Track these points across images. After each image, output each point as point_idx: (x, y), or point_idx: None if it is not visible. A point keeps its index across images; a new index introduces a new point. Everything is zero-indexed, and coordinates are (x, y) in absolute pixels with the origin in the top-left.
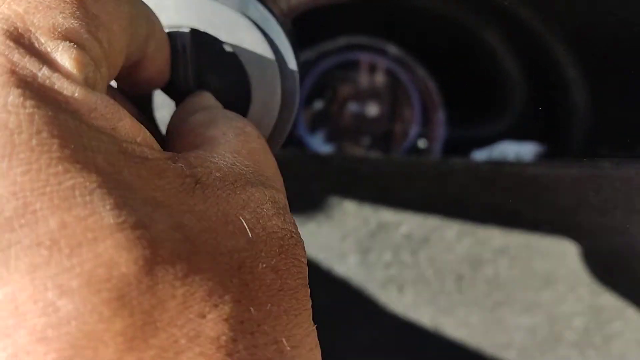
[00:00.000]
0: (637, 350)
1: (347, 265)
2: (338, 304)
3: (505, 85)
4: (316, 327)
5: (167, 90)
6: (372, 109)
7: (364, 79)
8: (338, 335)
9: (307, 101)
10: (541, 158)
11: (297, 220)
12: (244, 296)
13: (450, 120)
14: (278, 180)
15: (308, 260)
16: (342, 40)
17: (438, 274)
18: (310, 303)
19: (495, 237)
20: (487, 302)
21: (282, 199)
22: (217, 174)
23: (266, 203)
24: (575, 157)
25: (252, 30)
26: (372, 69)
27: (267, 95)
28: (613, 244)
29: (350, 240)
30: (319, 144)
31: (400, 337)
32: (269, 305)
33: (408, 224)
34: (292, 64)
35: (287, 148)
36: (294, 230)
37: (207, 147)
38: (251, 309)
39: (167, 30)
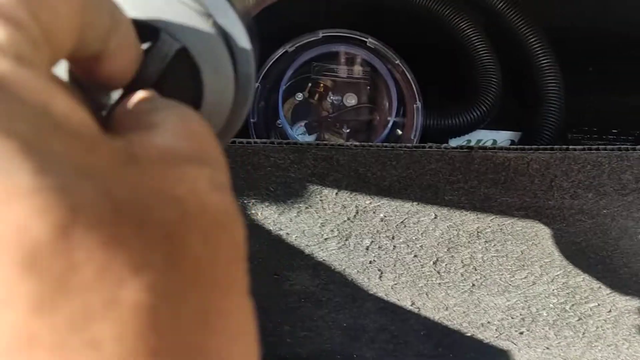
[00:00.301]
0: (613, 330)
1: (327, 251)
2: (321, 288)
3: (480, 75)
4: (300, 311)
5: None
6: (351, 100)
7: (343, 71)
8: (321, 318)
9: (288, 93)
10: (515, 145)
11: (278, 209)
12: (170, 266)
13: (428, 110)
14: (219, 161)
15: (290, 246)
16: (321, 33)
17: (416, 258)
18: (246, 278)
19: (469, 221)
20: (465, 284)
21: (221, 176)
22: (155, 152)
23: (203, 180)
24: (548, 143)
25: (200, 18)
26: (351, 60)
27: (220, 84)
28: (585, 226)
29: (330, 226)
30: (300, 135)
31: (383, 319)
32: (198, 276)
33: (385, 209)
34: (246, 51)
35: (267, 138)
36: (231, 207)
37: (148, 129)
38: (177, 278)
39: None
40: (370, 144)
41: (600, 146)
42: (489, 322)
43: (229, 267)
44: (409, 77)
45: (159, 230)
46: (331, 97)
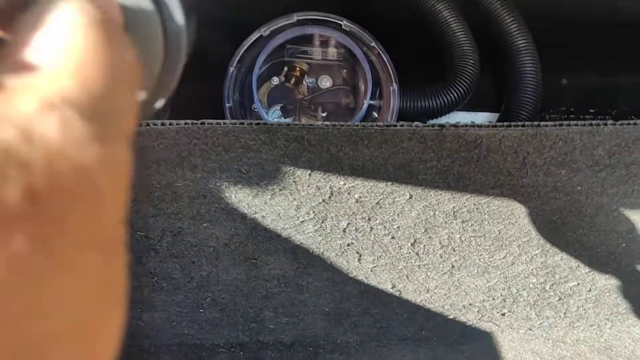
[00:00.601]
0: (594, 310)
1: (304, 234)
2: (300, 272)
3: (457, 56)
4: (281, 296)
5: None
6: (326, 82)
7: (317, 53)
8: (302, 303)
9: (264, 77)
10: None
11: (252, 191)
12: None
13: (404, 92)
14: (110, 111)
15: (267, 229)
16: (296, 16)
17: (394, 240)
18: (120, 210)
19: (445, 201)
20: (444, 265)
21: (105, 128)
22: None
23: (73, 116)
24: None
25: None
26: (326, 43)
27: (148, 45)
28: (559, 203)
29: (306, 208)
30: (276, 119)
31: (365, 303)
32: (59, 199)
33: (360, 190)
34: (177, 14)
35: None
36: (118, 155)
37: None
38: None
39: None
40: (341, 123)
41: (572, 122)
42: (470, 304)
43: (99, 198)
44: (385, 59)
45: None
46: (306, 81)
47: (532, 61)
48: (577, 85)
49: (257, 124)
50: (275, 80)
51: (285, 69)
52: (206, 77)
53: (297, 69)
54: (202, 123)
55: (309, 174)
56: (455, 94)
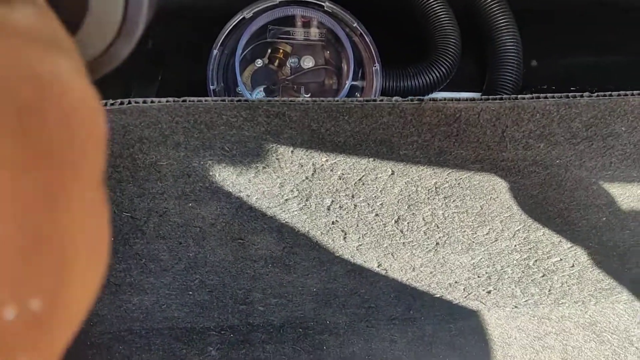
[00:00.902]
0: (578, 286)
1: (289, 212)
2: (287, 252)
3: (439, 36)
4: (268, 277)
5: None
6: (308, 62)
7: (299, 34)
8: (291, 284)
9: (249, 60)
10: None
11: (236, 170)
12: (20, 140)
13: (387, 72)
14: (75, 52)
15: (252, 208)
16: None
17: (378, 217)
18: (101, 169)
19: (427, 176)
20: (429, 242)
21: (79, 65)
22: (14, 27)
23: (64, 64)
24: None
25: None
26: (308, 23)
27: (107, 6)
28: (539, 177)
29: (289, 186)
30: None
31: (352, 283)
32: (49, 155)
33: (342, 166)
34: None
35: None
36: (91, 95)
37: (6, 4)
38: (26, 153)
39: None
40: (321, 99)
41: (549, 95)
42: (456, 282)
43: (84, 152)
44: (367, 39)
45: (12, 103)
46: (289, 61)
47: (513, 40)
48: (557, 63)
49: (238, 100)
50: (259, 62)
51: (269, 50)
52: (191, 61)
53: (281, 50)
54: (184, 101)
55: (292, 151)
56: (438, 74)
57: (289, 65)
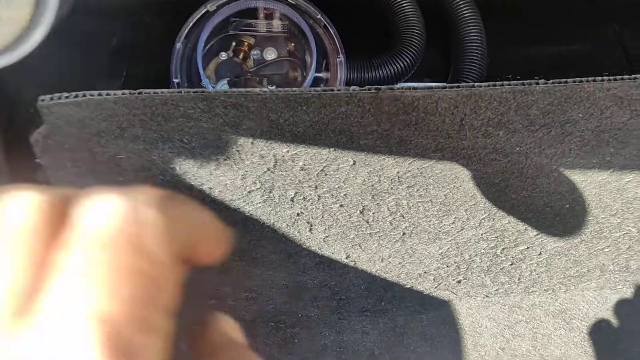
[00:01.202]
0: (547, 274)
1: (253, 205)
2: (254, 245)
3: (403, 27)
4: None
5: None
6: (271, 54)
7: (262, 25)
8: (259, 277)
9: (213, 53)
10: None
11: (196, 162)
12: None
13: (351, 63)
14: None
15: (215, 201)
16: None
17: (343, 208)
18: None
19: (389, 166)
20: (395, 233)
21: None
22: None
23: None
24: None
25: None
26: (270, 15)
27: None
28: (500, 165)
29: (252, 177)
30: None
31: (321, 275)
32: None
33: (303, 157)
34: None
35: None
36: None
37: None
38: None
39: None
40: (278, 89)
41: (505, 82)
42: (425, 272)
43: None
44: (332, 31)
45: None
46: (252, 54)
47: (478, 31)
48: (522, 54)
49: (195, 92)
50: (224, 56)
51: (234, 43)
52: (155, 56)
53: (245, 43)
54: (140, 93)
55: (252, 142)
56: (402, 65)
57: (252, 58)
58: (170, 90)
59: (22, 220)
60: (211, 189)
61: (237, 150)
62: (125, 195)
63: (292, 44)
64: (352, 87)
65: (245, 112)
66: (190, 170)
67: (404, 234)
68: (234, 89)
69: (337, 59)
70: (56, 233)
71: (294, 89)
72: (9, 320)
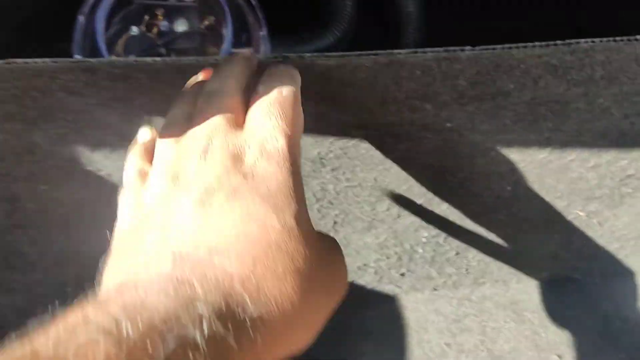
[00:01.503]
0: (495, 263)
1: None
2: None
3: None
4: None
5: None
6: (182, 27)
7: None
8: None
9: (123, 27)
10: None
11: (87, 144)
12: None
13: (276, 37)
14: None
15: (115, 188)
16: None
17: None
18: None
19: (308, 145)
20: (326, 222)
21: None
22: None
23: None
24: None
25: None
26: None
27: None
28: (432, 143)
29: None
30: None
31: None
32: None
33: None
34: None
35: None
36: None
37: None
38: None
39: None
40: (172, 58)
41: (427, 49)
42: (365, 265)
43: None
44: (253, 2)
45: None
46: (162, 25)
47: (415, 2)
48: (471, 30)
49: (73, 61)
50: (135, 30)
51: (147, 17)
52: (60, 31)
53: (159, 17)
54: (8, 62)
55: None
56: (332, 39)
57: (160, 28)
58: (44, 60)
59: None
60: (110, 175)
61: (132, 130)
62: None
63: (213, 17)
64: (257, 56)
65: (135, 85)
66: (83, 153)
67: (335, 222)
68: (120, 58)
69: (260, 33)
70: None
71: (189, 57)
72: None
